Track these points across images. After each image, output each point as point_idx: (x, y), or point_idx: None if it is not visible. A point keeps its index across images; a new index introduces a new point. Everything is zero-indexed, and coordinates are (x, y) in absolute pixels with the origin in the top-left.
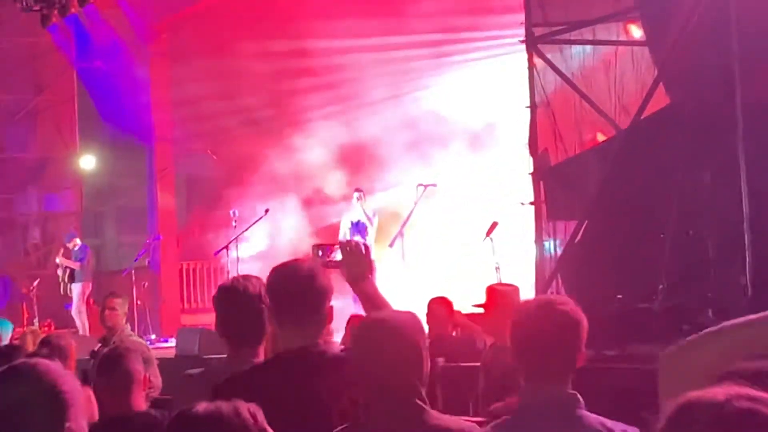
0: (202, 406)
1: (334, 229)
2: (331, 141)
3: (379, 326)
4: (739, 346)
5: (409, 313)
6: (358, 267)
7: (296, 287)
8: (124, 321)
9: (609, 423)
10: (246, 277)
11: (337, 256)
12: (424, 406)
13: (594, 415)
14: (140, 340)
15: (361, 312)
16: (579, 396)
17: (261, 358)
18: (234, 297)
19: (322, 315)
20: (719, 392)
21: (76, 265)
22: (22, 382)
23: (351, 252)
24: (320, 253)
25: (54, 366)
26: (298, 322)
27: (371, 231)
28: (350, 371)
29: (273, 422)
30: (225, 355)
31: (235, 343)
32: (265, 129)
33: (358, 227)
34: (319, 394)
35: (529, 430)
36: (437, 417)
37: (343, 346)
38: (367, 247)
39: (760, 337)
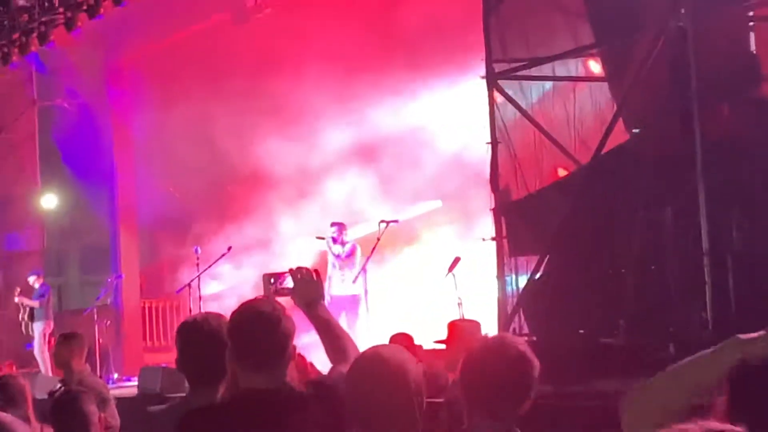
0: None
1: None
2: (293, 179)
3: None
4: (693, 385)
5: (400, 347)
6: (309, 293)
7: (260, 332)
8: (82, 361)
9: None
10: (207, 315)
11: (289, 283)
12: None
13: None
14: (98, 380)
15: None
16: None
17: (221, 395)
18: (195, 334)
19: (286, 356)
20: (693, 429)
21: (34, 304)
22: None
23: (302, 278)
24: (272, 281)
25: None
26: (262, 364)
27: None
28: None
29: None
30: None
31: (196, 381)
32: (228, 166)
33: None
34: (286, 430)
35: None
36: None
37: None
38: (317, 272)
39: (709, 374)
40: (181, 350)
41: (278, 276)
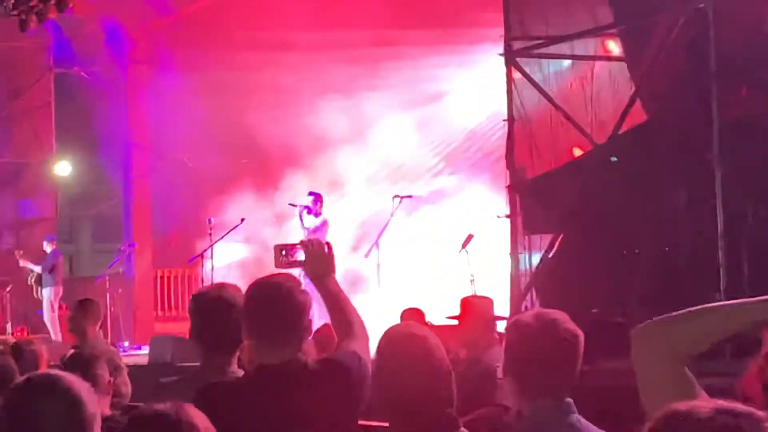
0: (158, 406)
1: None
2: (309, 152)
3: (409, 339)
4: (717, 329)
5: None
6: (320, 265)
7: (275, 305)
8: (97, 328)
9: None
10: (222, 285)
11: (300, 255)
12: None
13: (590, 425)
14: (111, 348)
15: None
16: (572, 403)
17: (235, 366)
18: (210, 304)
19: (301, 330)
20: (705, 406)
21: (36, 268)
22: (47, 394)
23: (313, 251)
24: (283, 252)
25: (78, 381)
26: (276, 338)
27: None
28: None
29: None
30: (198, 363)
31: (210, 351)
32: (243, 136)
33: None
34: (302, 407)
35: None
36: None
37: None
38: (329, 245)
39: (739, 322)
40: (195, 320)
41: (290, 248)
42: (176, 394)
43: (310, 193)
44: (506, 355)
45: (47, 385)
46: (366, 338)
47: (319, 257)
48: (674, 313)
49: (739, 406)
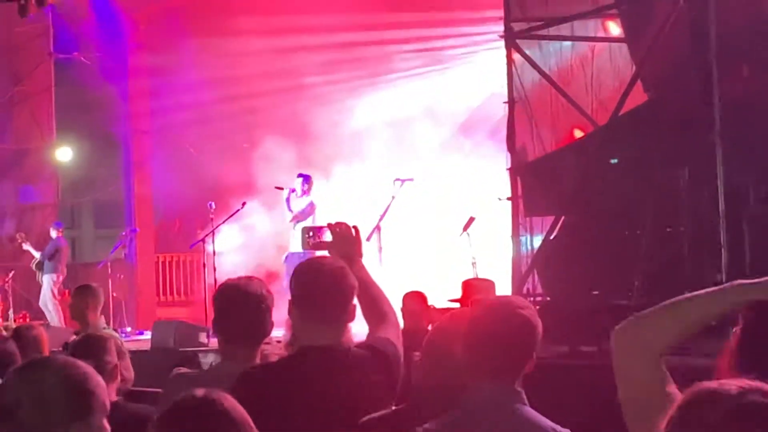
0: (198, 392)
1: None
2: (308, 135)
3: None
4: (694, 319)
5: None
6: (347, 248)
7: (327, 284)
8: (98, 313)
9: (546, 422)
10: (249, 278)
11: (327, 236)
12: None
13: (534, 412)
14: (114, 333)
15: None
16: (523, 393)
17: (257, 360)
18: (235, 296)
19: (348, 313)
20: (732, 385)
21: (35, 253)
22: (48, 376)
23: (340, 233)
24: (310, 233)
25: (84, 365)
26: (325, 319)
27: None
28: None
29: (299, 415)
30: (202, 348)
31: (232, 344)
32: (243, 122)
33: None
34: (344, 391)
35: (468, 424)
36: (531, 411)
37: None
38: (356, 229)
39: (715, 310)
40: (219, 312)
41: (317, 230)
42: (201, 386)
43: (300, 175)
44: (465, 335)
45: (49, 365)
46: (397, 325)
47: (346, 239)
48: (647, 310)
49: (766, 386)
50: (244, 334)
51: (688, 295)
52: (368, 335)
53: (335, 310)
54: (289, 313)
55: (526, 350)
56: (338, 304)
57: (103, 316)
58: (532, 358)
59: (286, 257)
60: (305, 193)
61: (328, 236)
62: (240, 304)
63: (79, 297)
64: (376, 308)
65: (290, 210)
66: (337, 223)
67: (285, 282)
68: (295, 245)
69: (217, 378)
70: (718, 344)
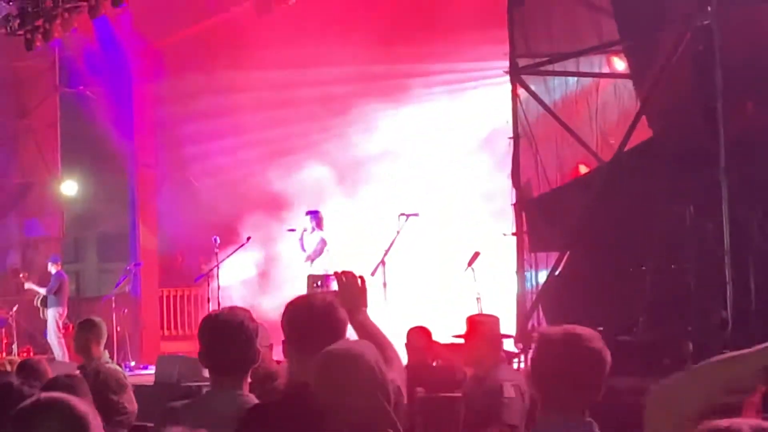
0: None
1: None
2: (314, 171)
3: (339, 357)
4: (721, 383)
5: (365, 342)
6: (353, 298)
7: (319, 319)
8: (101, 347)
9: None
10: (232, 308)
11: (333, 286)
12: None
13: None
14: (116, 366)
15: None
16: (595, 425)
17: (245, 389)
18: (219, 327)
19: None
20: (744, 424)
21: (41, 291)
22: (54, 416)
23: (347, 283)
24: (318, 283)
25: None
26: (314, 354)
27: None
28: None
29: None
30: (205, 383)
31: (219, 374)
32: (248, 157)
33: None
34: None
35: None
36: None
37: None
38: (362, 279)
39: (741, 374)
40: (204, 344)
41: (324, 278)
42: (189, 418)
43: (308, 213)
44: (533, 368)
45: (53, 408)
46: (402, 367)
47: (352, 289)
48: (681, 372)
49: None
50: (227, 364)
51: (718, 358)
52: None
53: (328, 344)
54: (284, 352)
55: (596, 382)
56: (331, 338)
57: (106, 351)
58: (601, 389)
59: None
60: (315, 229)
61: (334, 285)
62: (221, 336)
63: (82, 331)
64: (380, 354)
65: (303, 249)
66: (344, 272)
67: None
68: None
69: (206, 408)
70: None
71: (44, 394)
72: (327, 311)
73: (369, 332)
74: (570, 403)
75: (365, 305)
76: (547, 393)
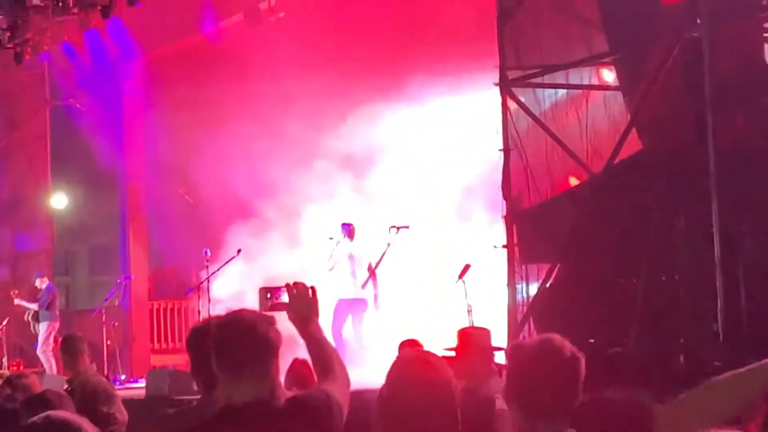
0: None
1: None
2: (305, 183)
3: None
4: (729, 401)
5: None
6: (304, 309)
7: (245, 337)
8: (86, 360)
9: None
10: (212, 318)
11: (284, 298)
12: None
13: None
14: (102, 378)
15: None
16: None
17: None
18: (206, 339)
19: (270, 366)
20: None
21: (32, 306)
22: None
23: (297, 294)
24: (268, 295)
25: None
26: (244, 373)
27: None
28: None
29: None
30: (196, 396)
31: (208, 385)
32: (237, 169)
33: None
34: None
35: None
36: None
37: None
38: (313, 290)
39: (744, 389)
40: (192, 355)
41: (274, 290)
42: (174, 426)
43: (344, 225)
44: (509, 378)
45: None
46: (346, 382)
47: (303, 300)
48: (685, 393)
49: None
50: (214, 376)
51: (724, 375)
52: (312, 388)
53: (254, 363)
54: (215, 371)
55: (573, 388)
56: (257, 357)
57: (94, 364)
58: (578, 395)
59: (340, 304)
60: (346, 240)
61: (285, 297)
62: (208, 347)
63: (64, 347)
64: (325, 366)
65: (329, 259)
66: (295, 284)
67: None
68: (349, 290)
69: (192, 419)
70: None
71: (52, 413)
72: (255, 330)
73: (318, 344)
74: (550, 412)
75: (317, 315)
76: (525, 404)
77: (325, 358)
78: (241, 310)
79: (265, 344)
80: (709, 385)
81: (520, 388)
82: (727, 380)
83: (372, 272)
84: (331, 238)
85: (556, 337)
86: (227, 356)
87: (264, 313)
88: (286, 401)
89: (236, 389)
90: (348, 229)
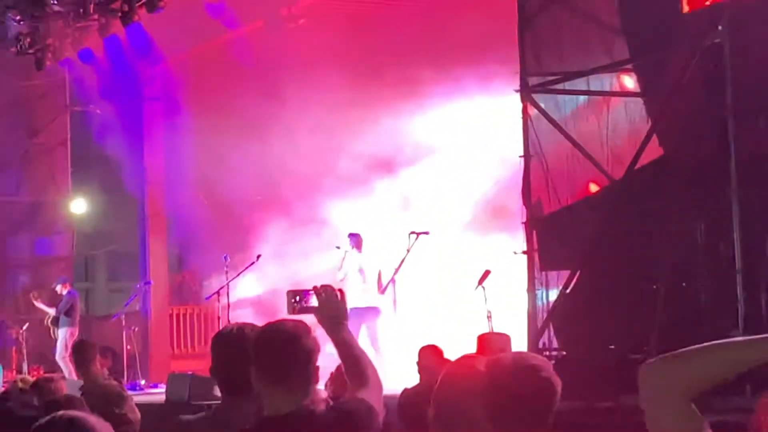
0: None
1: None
2: (324, 189)
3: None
4: (721, 365)
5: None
6: (333, 313)
7: (279, 349)
8: (97, 365)
9: None
10: (243, 324)
11: (313, 301)
12: None
13: None
14: (112, 381)
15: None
16: None
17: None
18: (231, 343)
19: (309, 375)
20: None
21: (50, 311)
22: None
23: (326, 298)
24: (296, 298)
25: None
26: (284, 383)
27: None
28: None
29: None
30: (217, 401)
31: (231, 390)
32: (257, 175)
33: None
34: None
35: None
36: None
37: (329, 399)
38: (342, 293)
39: (742, 358)
40: (216, 360)
41: (303, 293)
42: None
43: (350, 235)
44: (483, 395)
45: (70, 424)
46: (379, 387)
47: (331, 304)
48: (681, 350)
49: None
50: (238, 380)
51: (725, 340)
52: (347, 396)
53: (297, 374)
54: (253, 380)
55: (549, 410)
56: (299, 367)
57: (106, 369)
58: (548, 420)
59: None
60: (354, 250)
61: (314, 300)
62: (233, 352)
63: (78, 354)
64: (357, 371)
65: (340, 268)
66: (323, 287)
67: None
68: (358, 299)
69: (214, 422)
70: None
71: (63, 412)
72: (293, 340)
73: (350, 349)
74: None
75: (345, 319)
76: (499, 420)
77: (358, 363)
78: (282, 321)
79: (307, 354)
80: (701, 347)
81: (494, 405)
82: (723, 345)
83: (392, 278)
84: (338, 247)
85: (534, 358)
86: (270, 368)
87: (301, 320)
88: (327, 410)
89: (279, 400)
90: (356, 240)
